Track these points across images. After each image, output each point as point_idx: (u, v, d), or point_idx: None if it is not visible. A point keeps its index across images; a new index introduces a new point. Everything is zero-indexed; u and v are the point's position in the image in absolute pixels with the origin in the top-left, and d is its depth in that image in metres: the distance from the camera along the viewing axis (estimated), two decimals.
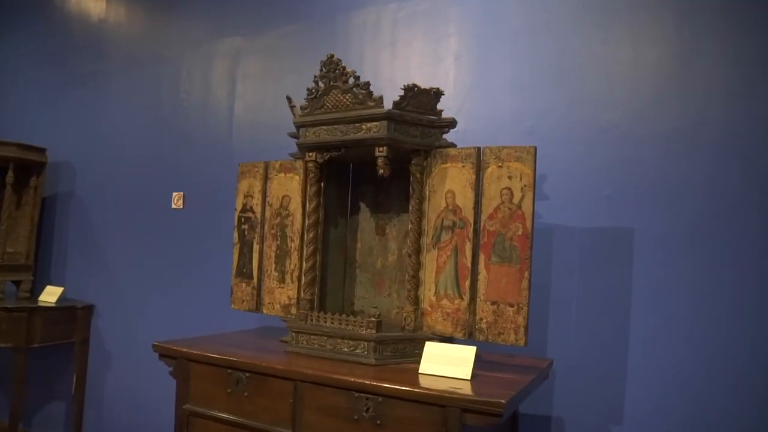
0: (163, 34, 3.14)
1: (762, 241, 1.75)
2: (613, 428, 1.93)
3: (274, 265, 2.17)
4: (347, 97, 1.83)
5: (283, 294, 2.15)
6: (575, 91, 2.07)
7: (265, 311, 2.19)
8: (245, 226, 2.27)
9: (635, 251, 1.93)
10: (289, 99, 2.01)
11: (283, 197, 2.18)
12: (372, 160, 2.04)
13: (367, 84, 1.79)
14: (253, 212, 2.25)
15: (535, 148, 1.70)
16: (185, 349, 1.90)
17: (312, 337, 1.88)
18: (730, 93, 1.83)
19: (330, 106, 1.87)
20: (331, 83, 1.85)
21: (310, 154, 1.95)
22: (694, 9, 1.90)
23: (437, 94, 1.84)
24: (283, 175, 2.19)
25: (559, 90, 2.10)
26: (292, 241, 2.14)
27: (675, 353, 1.85)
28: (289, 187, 2.17)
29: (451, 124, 1.87)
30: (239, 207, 2.30)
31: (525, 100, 2.15)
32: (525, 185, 1.71)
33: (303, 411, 1.67)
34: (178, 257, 2.96)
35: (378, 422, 1.54)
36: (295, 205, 2.15)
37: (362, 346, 1.78)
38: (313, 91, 1.90)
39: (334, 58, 1.84)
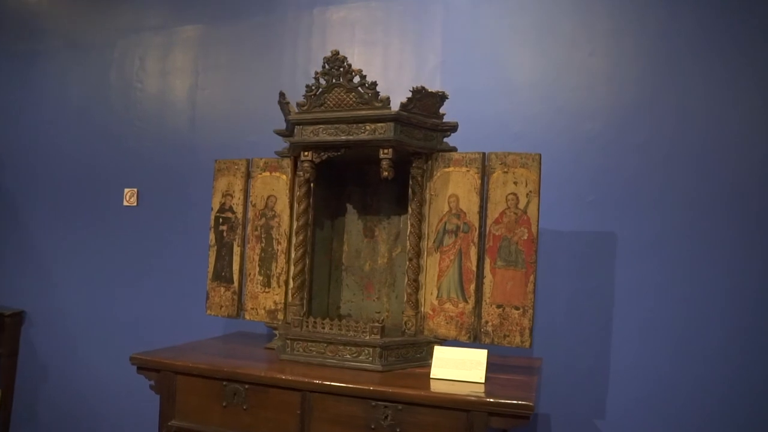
0: (111, 16, 2.87)
1: (737, 243, 1.93)
2: (597, 422, 2.04)
3: (258, 269, 2.07)
4: (351, 96, 1.78)
5: (268, 299, 2.04)
6: (561, 99, 2.15)
7: (247, 317, 2.07)
8: (224, 227, 2.14)
9: (617, 254, 2.05)
10: (282, 95, 1.91)
11: (268, 197, 2.08)
12: (363, 161, 2.02)
13: (374, 84, 1.75)
14: (233, 212, 2.13)
15: (540, 155, 1.75)
16: (172, 361, 1.75)
17: (309, 344, 1.81)
18: (704, 108, 2.00)
19: (331, 105, 1.81)
20: (334, 81, 1.79)
21: (306, 153, 1.87)
22: (673, 25, 2.04)
23: (443, 97, 1.83)
24: (268, 174, 2.09)
25: (545, 98, 2.17)
26: (279, 243, 2.05)
27: (655, 351, 1.99)
28: (276, 187, 2.07)
29: (454, 128, 1.88)
30: (216, 207, 2.16)
31: (512, 105, 2.21)
32: (531, 191, 1.75)
33: (312, 422, 1.60)
34: (130, 259, 2.73)
35: (397, 430, 1.52)
36: (282, 206, 2.05)
37: (366, 352, 1.74)
38: (313, 87, 1.82)
39: (339, 55, 1.77)
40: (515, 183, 1.77)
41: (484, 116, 2.25)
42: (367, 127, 1.77)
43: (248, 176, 2.11)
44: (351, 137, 1.79)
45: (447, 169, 1.86)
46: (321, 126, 1.83)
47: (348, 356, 1.76)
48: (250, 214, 2.09)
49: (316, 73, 1.81)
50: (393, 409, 1.52)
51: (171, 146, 2.69)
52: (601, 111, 2.11)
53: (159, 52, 2.76)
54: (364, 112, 1.76)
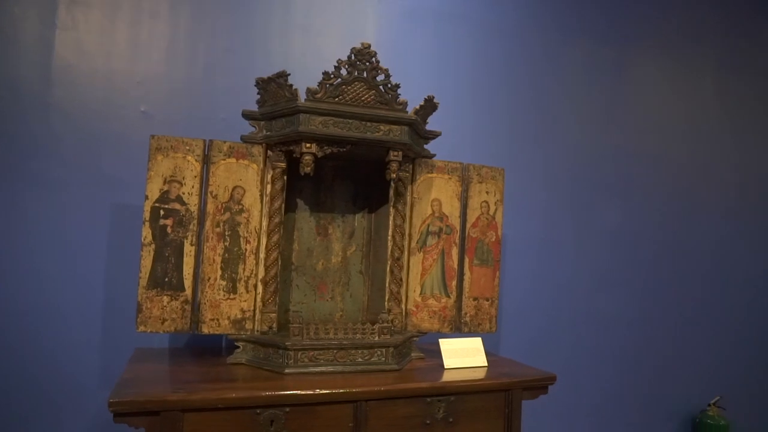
0: None
1: (601, 239, 2.71)
2: None
3: (220, 272, 1.74)
4: (371, 94, 1.73)
5: (233, 307, 1.75)
6: (471, 122, 2.53)
7: (205, 330, 1.72)
8: (167, 221, 1.70)
9: (507, 250, 2.56)
10: (285, 76, 1.68)
11: (234, 188, 1.77)
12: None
13: (397, 86, 1.76)
14: (183, 203, 1.72)
15: (504, 169, 2.10)
16: (182, 397, 1.37)
17: (316, 352, 1.68)
18: (576, 146, 2.72)
19: (348, 99, 1.72)
20: (357, 74, 1.71)
21: (309, 145, 1.72)
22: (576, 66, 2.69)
23: (435, 107, 1.95)
24: (234, 160, 1.78)
25: (467, 120, 2.51)
26: (248, 242, 1.78)
27: (535, 326, 2.59)
28: (243, 177, 1.78)
29: (437, 136, 2.02)
30: (154, 195, 1.70)
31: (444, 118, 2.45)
32: (497, 200, 2.08)
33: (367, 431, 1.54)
34: None
35: (450, 420, 1.63)
36: (252, 200, 1.79)
37: (379, 352, 1.75)
38: (332, 76, 1.69)
39: (369, 49, 1.71)
40: (487, 192, 2.06)
41: None
42: (382, 128, 1.76)
43: (206, 160, 1.75)
44: (366, 135, 1.74)
45: (430, 175, 2.00)
46: (333, 118, 1.71)
47: (360, 359, 1.72)
48: (210, 208, 1.74)
49: (339, 61, 1.69)
50: (446, 401, 1.62)
51: (10, 103, 1.87)
52: (508, 139, 2.59)
53: None
54: (383, 112, 1.75)
